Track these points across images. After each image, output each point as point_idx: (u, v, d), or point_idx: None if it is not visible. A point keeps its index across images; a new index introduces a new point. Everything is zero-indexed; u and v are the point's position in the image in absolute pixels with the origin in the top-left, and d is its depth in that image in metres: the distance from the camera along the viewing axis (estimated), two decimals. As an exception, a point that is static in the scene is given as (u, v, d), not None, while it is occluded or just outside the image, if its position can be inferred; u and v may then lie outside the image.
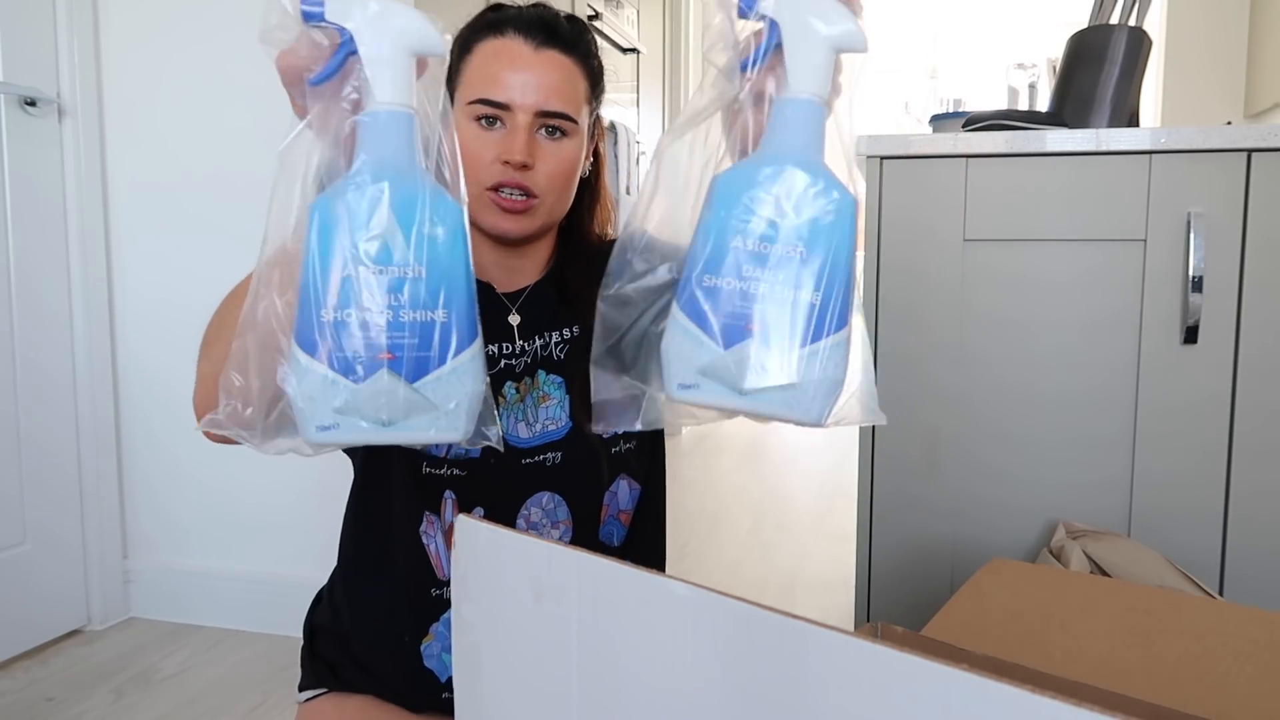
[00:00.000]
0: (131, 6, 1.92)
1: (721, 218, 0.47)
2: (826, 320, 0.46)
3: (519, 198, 0.81)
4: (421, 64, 0.48)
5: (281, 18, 0.46)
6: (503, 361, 0.87)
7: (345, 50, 0.46)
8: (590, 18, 3.19)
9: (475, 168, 0.81)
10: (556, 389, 0.89)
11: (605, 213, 0.96)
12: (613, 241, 0.96)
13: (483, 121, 0.81)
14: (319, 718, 0.90)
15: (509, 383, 0.87)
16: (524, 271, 0.91)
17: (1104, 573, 1.06)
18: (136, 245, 1.97)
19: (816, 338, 0.45)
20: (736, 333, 0.46)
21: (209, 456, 1.96)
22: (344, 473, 0.91)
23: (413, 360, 0.44)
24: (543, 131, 0.82)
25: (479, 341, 0.47)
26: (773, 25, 0.48)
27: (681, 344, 0.47)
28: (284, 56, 0.48)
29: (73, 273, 1.91)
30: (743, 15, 0.48)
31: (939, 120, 1.52)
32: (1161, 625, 0.76)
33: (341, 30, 0.46)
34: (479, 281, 0.87)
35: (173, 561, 2.01)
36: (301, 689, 0.93)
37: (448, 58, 0.49)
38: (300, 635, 0.97)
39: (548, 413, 0.88)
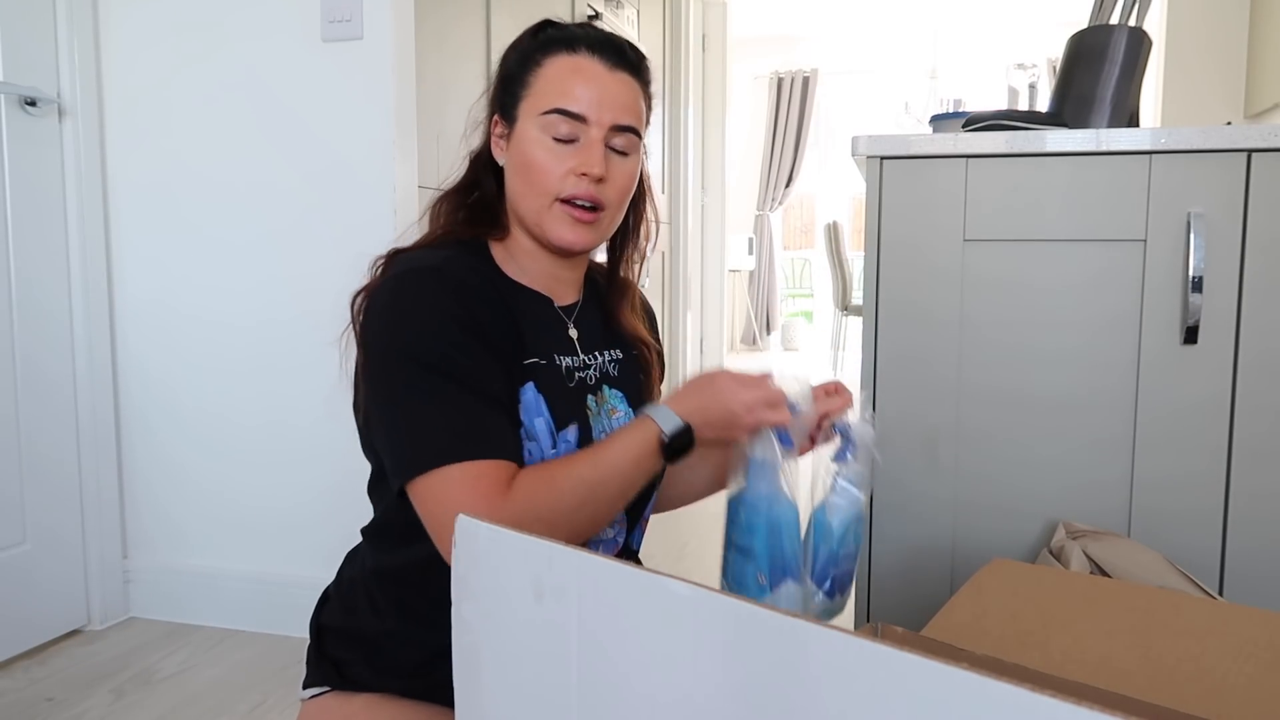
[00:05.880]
0: (132, 6, 1.92)
1: (820, 534, 0.90)
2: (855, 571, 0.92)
3: (589, 209, 0.87)
4: None
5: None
6: (577, 375, 0.91)
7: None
8: (590, 18, 3.19)
9: (547, 179, 0.87)
10: (620, 402, 0.95)
11: (647, 232, 1.01)
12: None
13: (557, 137, 0.86)
14: (324, 713, 0.90)
15: (589, 395, 0.92)
16: (572, 285, 0.96)
17: (1104, 573, 1.06)
18: (136, 245, 1.97)
19: (849, 585, 0.92)
20: (839, 586, 0.91)
21: (208, 457, 1.97)
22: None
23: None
24: (611, 147, 0.88)
25: None
26: (851, 436, 0.91)
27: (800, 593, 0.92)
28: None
29: (73, 273, 1.91)
30: (840, 432, 0.91)
31: (939, 120, 1.51)
32: (1161, 625, 0.76)
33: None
34: (539, 295, 0.93)
35: (173, 561, 2.01)
36: (306, 686, 0.93)
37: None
38: (301, 634, 0.97)
39: (618, 424, 0.93)
